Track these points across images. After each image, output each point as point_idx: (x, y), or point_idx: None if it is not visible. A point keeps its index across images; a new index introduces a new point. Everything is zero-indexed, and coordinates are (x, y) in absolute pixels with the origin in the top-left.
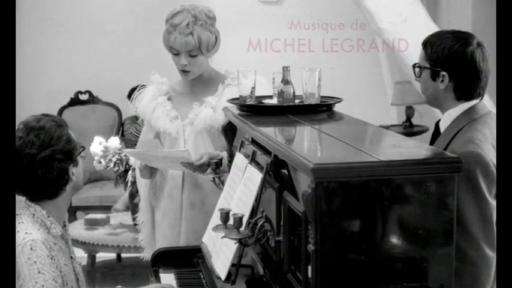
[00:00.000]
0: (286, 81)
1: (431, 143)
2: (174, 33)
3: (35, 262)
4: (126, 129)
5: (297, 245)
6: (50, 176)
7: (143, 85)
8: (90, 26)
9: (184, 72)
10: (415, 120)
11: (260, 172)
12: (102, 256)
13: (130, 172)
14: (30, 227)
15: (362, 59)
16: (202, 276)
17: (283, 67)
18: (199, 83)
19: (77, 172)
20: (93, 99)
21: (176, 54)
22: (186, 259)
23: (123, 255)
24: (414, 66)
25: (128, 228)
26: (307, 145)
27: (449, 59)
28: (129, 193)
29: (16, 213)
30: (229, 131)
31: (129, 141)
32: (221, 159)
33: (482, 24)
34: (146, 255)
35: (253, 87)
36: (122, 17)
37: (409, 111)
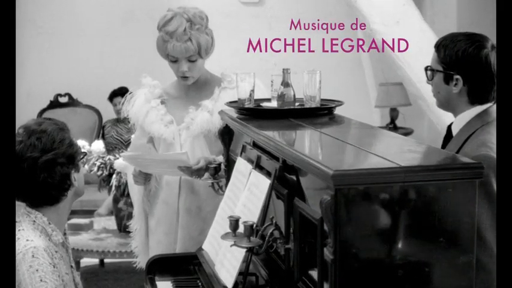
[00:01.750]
0: (286, 84)
1: (443, 146)
2: (171, 40)
3: (37, 270)
4: (107, 132)
5: (308, 252)
6: (52, 181)
7: (127, 89)
8: (70, 27)
9: (184, 77)
10: (399, 123)
11: (267, 178)
12: (84, 261)
13: (114, 176)
14: (31, 234)
15: (344, 61)
16: (200, 284)
17: (283, 69)
18: (194, 86)
19: (78, 177)
20: (73, 102)
21: (174, 61)
22: (183, 266)
23: (106, 260)
24: (426, 68)
25: (112, 233)
26: (321, 151)
27: (463, 62)
28: (113, 197)
29: (15, 220)
30: (226, 134)
31: (110, 144)
32: (219, 164)
33: (467, 25)
34: (140, 262)
35: (252, 90)
36: (101, 19)
37: (393, 113)
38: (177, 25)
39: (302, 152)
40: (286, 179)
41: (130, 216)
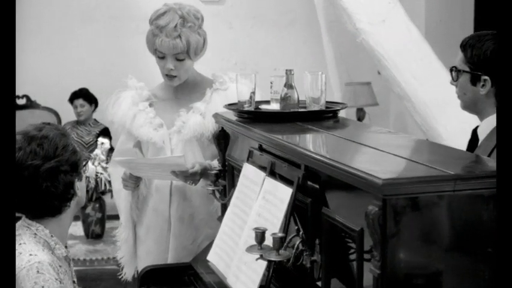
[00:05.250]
0: (289, 86)
1: (469, 150)
2: (161, 35)
3: (43, 287)
4: None
5: (339, 265)
6: (55, 190)
7: (88, 91)
8: (27, 27)
9: (169, 77)
10: (365, 123)
11: (286, 185)
12: None
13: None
14: (34, 248)
15: (308, 60)
16: None
17: (286, 70)
18: (184, 88)
19: (80, 186)
20: (31, 104)
21: (161, 57)
22: (177, 277)
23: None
24: (451, 69)
25: (79, 240)
26: (358, 158)
27: (491, 63)
28: None
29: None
30: (222, 139)
31: None
32: (220, 170)
33: (436, 23)
34: (126, 273)
35: (253, 92)
36: (58, 18)
37: (360, 113)
38: (168, 20)
39: (339, 160)
40: (306, 187)
41: (98, 222)
